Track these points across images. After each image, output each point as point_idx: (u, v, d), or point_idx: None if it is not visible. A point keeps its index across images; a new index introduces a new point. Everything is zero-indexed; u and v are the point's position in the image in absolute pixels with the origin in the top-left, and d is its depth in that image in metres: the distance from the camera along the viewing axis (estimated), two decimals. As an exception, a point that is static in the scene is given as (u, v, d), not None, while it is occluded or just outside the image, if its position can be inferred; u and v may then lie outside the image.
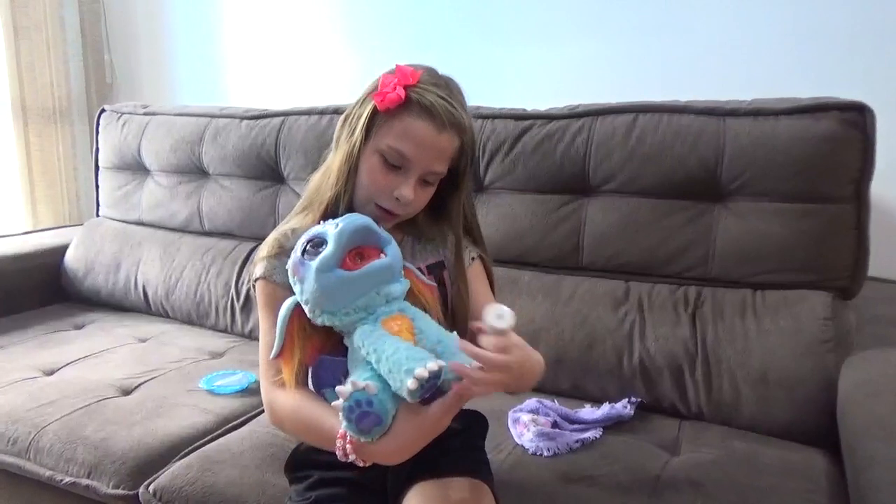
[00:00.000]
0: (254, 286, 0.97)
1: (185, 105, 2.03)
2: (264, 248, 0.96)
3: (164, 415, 1.26)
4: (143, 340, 1.67)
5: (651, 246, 1.35)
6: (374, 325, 0.80)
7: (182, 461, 1.13)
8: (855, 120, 1.19)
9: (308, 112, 1.73)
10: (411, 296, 0.86)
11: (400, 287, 0.83)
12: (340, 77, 2.09)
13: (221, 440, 1.19)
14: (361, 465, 0.79)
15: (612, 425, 1.19)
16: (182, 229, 1.91)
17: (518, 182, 1.46)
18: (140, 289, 1.86)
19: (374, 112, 0.90)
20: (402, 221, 0.97)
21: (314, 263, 0.80)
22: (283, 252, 0.93)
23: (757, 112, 1.27)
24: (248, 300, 1.69)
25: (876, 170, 1.21)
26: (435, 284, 0.93)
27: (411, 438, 0.77)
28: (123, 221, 2.02)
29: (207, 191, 1.86)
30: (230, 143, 1.80)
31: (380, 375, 0.76)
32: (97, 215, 2.10)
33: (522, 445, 1.12)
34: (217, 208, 1.84)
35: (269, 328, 0.90)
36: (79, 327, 1.78)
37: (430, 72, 0.93)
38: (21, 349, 1.59)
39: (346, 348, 0.83)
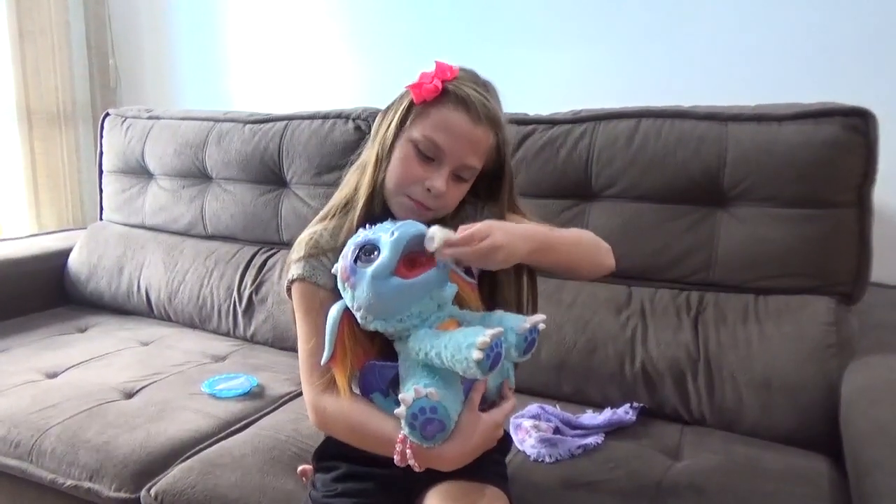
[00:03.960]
0: (289, 289, 0.95)
1: (189, 109, 2.04)
2: (301, 249, 0.94)
3: (166, 418, 1.26)
4: (146, 344, 1.67)
5: (653, 251, 1.35)
6: (430, 329, 0.81)
7: (184, 465, 1.13)
8: (857, 125, 1.19)
9: (311, 116, 1.73)
10: (457, 297, 0.86)
11: (450, 291, 0.83)
12: (343, 82, 2.09)
13: (223, 443, 1.19)
14: (418, 469, 0.81)
15: (614, 431, 1.19)
16: (185, 233, 1.91)
17: (520, 187, 1.41)
18: (143, 292, 1.86)
19: (411, 104, 0.90)
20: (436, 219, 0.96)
21: (369, 270, 0.80)
22: (320, 252, 0.91)
23: (759, 117, 1.27)
24: (251, 304, 1.70)
25: (878, 175, 1.21)
26: (475, 282, 0.92)
27: (474, 443, 0.81)
28: (127, 225, 2.02)
29: (210, 195, 1.87)
30: (233, 147, 1.81)
31: (439, 380, 0.78)
32: (101, 219, 2.11)
33: (524, 452, 1.12)
34: (220, 212, 1.84)
35: (311, 332, 0.90)
36: (82, 330, 1.78)
37: (469, 70, 0.93)
38: (24, 352, 1.59)
39: (393, 353, 0.84)
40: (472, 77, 0.92)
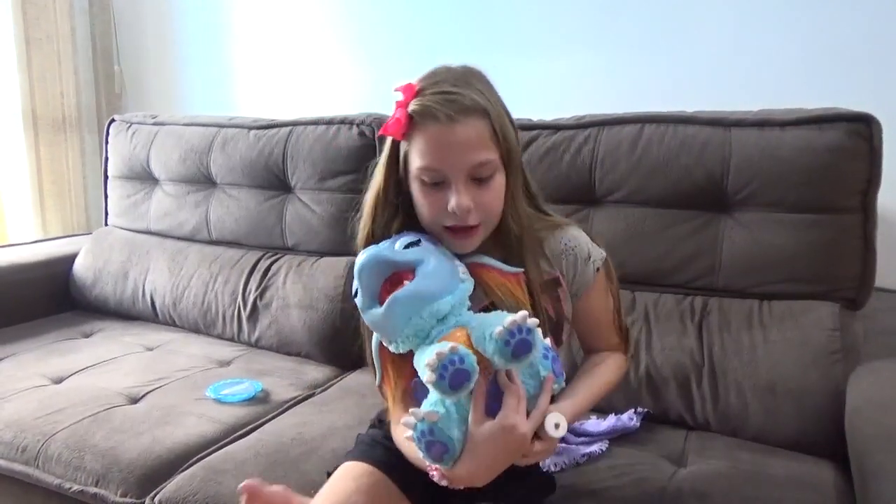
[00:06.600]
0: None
1: (194, 115, 2.04)
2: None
3: (171, 423, 1.26)
4: (151, 349, 1.67)
5: (657, 256, 1.35)
6: (430, 345, 0.77)
7: (187, 471, 1.13)
8: (861, 131, 1.19)
9: (315, 122, 1.74)
10: (489, 291, 0.84)
11: (450, 300, 0.78)
12: (348, 87, 2.10)
13: (227, 449, 1.19)
14: (454, 487, 0.78)
15: (619, 437, 1.19)
16: (190, 238, 1.92)
17: (524, 192, 1.46)
18: (148, 297, 1.87)
19: (393, 143, 0.89)
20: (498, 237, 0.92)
21: (358, 302, 0.81)
22: None
23: (763, 122, 1.27)
24: (255, 309, 1.70)
25: (883, 180, 1.21)
26: (521, 270, 0.87)
27: (486, 453, 0.75)
28: (132, 230, 2.03)
29: (215, 200, 1.87)
30: (238, 152, 1.81)
31: (443, 400, 0.75)
32: (106, 224, 2.12)
33: (529, 457, 1.12)
34: (225, 218, 1.85)
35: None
36: (87, 336, 1.79)
37: (431, 74, 0.88)
38: (30, 357, 1.59)
39: None
40: (434, 78, 0.87)
